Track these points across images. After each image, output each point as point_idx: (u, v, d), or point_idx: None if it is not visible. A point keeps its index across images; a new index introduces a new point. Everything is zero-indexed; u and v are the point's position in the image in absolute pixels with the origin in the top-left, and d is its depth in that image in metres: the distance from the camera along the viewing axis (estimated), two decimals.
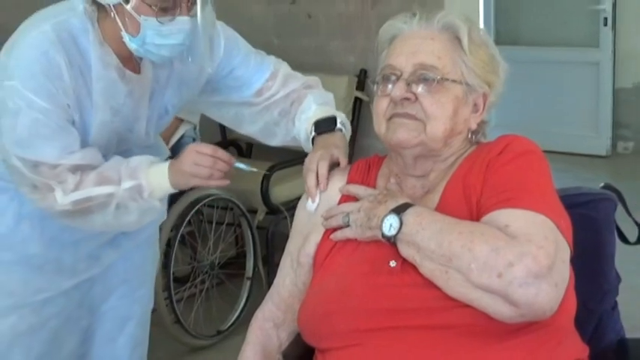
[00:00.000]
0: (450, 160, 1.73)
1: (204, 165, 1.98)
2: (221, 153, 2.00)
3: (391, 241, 1.58)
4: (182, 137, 3.93)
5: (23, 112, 1.91)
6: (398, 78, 1.68)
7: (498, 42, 1.81)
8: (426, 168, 1.74)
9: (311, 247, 1.77)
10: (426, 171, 1.74)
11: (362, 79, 4.51)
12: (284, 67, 2.35)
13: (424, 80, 1.67)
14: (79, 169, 1.98)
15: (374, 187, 1.79)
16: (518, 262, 1.42)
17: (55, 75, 1.93)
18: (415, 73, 1.68)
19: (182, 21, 1.97)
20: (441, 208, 1.63)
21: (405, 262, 1.58)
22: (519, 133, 1.70)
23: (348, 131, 2.16)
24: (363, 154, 2.01)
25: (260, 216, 4.01)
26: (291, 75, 2.33)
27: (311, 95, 2.27)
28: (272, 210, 4.01)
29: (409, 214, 1.57)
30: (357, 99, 4.48)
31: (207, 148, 1.99)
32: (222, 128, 4.69)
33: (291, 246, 1.85)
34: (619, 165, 6.42)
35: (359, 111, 4.48)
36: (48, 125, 1.93)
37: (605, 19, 6.40)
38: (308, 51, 4.61)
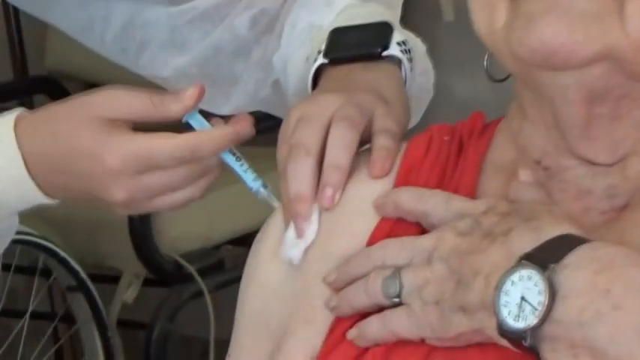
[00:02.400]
0: None
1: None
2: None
3: (525, 344, 0.74)
4: None
5: None
6: None
7: None
8: (616, 141, 0.87)
9: None
10: (616, 149, 0.88)
11: None
12: None
13: None
14: None
15: (473, 196, 0.94)
16: None
17: None
18: None
19: None
20: None
21: None
22: None
23: (419, 68, 1.14)
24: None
25: (131, 292, 2.33)
26: None
27: None
28: (161, 273, 2.31)
29: (575, 269, 0.76)
30: None
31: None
32: (20, 54, 2.68)
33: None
34: None
35: None
36: None
37: None
38: None
